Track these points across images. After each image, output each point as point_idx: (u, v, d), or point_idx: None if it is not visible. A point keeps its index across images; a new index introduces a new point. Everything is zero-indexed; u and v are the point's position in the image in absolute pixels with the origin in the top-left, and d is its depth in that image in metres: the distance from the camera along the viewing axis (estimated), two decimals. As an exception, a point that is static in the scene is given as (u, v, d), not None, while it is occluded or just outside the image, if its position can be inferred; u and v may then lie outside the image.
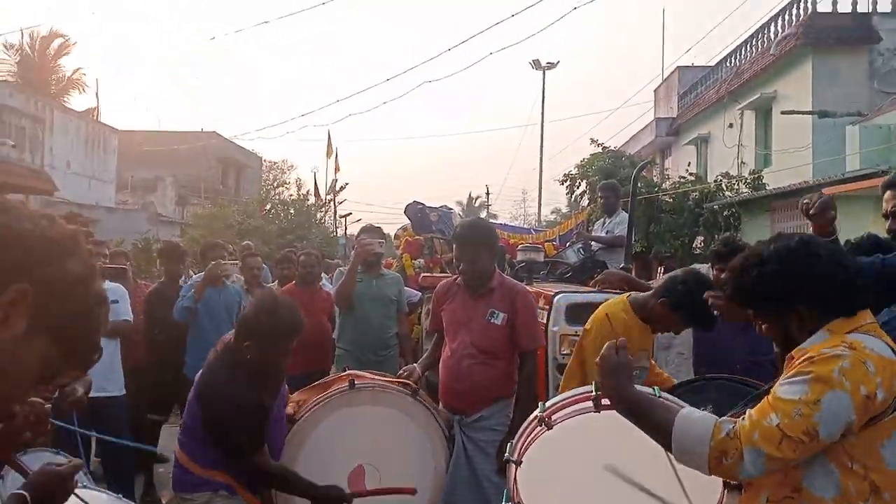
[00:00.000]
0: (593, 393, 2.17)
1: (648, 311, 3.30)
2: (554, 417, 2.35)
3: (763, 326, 1.92)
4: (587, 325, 3.46)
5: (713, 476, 1.82)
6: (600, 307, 3.53)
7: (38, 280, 0.91)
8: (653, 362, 3.71)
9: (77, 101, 24.94)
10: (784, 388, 1.69)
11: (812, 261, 1.81)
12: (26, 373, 0.94)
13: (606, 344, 1.95)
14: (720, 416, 1.76)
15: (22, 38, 23.77)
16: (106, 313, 1.04)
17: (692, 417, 1.75)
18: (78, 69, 24.62)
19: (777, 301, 1.84)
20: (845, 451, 1.68)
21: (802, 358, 1.73)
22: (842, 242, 3.14)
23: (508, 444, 2.50)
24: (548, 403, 2.47)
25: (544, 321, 4.44)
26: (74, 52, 25.20)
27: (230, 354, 2.94)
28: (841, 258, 1.87)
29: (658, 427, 1.78)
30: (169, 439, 5.88)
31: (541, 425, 2.36)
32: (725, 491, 2.08)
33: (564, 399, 2.47)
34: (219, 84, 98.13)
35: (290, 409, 3.27)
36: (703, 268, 4.15)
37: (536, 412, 2.43)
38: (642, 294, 3.48)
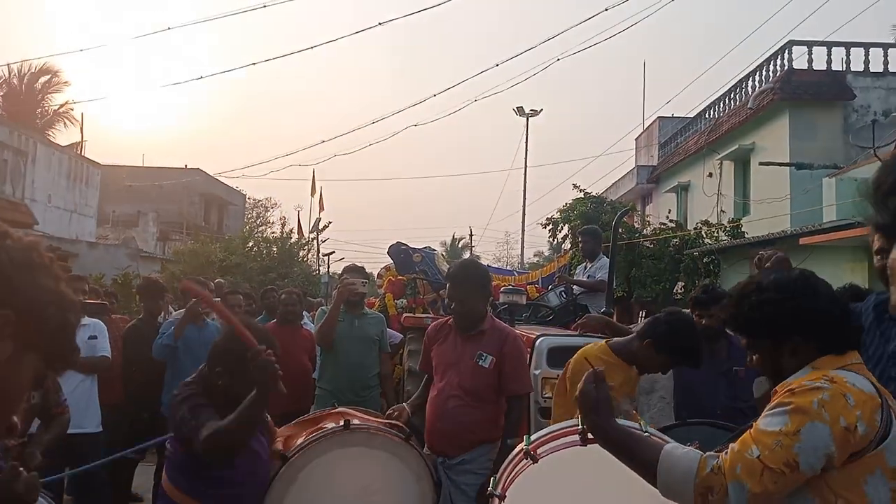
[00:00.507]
0: (579, 426, 2.16)
1: (632, 353, 3.31)
2: (539, 451, 2.34)
3: (755, 357, 1.91)
4: (565, 368, 3.47)
5: None
6: (578, 351, 3.55)
7: (17, 305, 0.94)
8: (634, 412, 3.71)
9: (63, 135, 24.87)
10: (765, 421, 1.69)
11: (810, 293, 1.82)
12: (19, 388, 0.98)
13: (584, 377, 1.93)
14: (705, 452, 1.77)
15: (10, 72, 23.83)
16: (77, 314, 1.07)
17: (676, 453, 1.74)
18: (65, 103, 24.65)
19: (772, 331, 1.83)
20: (828, 486, 1.66)
21: (783, 391, 1.74)
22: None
23: (492, 479, 2.48)
24: (533, 437, 2.46)
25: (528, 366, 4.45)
26: (64, 89, 25.18)
27: (201, 380, 2.92)
28: (837, 296, 1.87)
29: (642, 463, 1.77)
30: (143, 477, 5.78)
31: (526, 458, 2.34)
32: None
33: (550, 432, 2.46)
34: (205, 122, 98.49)
35: (278, 445, 3.22)
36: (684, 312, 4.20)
37: (521, 445, 2.41)
38: (623, 338, 3.51)
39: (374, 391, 5.24)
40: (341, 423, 3.25)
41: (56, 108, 24.87)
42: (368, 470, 3.25)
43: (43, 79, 24.58)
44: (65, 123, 25.14)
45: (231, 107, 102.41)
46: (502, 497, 2.32)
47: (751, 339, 1.91)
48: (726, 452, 1.69)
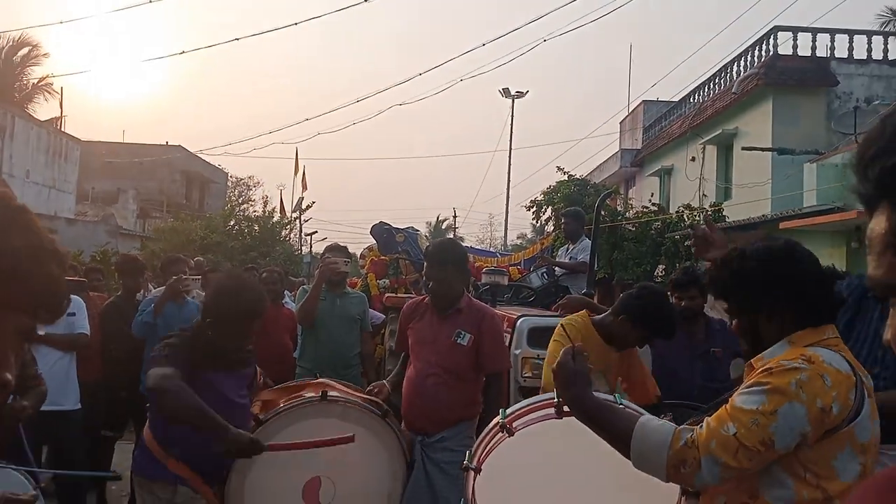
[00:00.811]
0: (555, 399, 2.16)
1: (609, 329, 3.34)
2: (515, 424, 2.34)
3: (735, 322, 1.92)
4: (554, 336, 3.48)
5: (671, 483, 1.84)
6: (561, 321, 3.57)
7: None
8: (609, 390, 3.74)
9: (43, 109, 24.45)
10: (742, 398, 1.71)
11: (793, 262, 1.83)
12: (3, 347, 0.93)
13: (562, 350, 1.94)
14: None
15: (-15, 44, 23.33)
16: (64, 264, 1.01)
17: (651, 425, 1.76)
18: (45, 77, 24.20)
19: (751, 295, 1.84)
20: (799, 462, 1.69)
21: (761, 369, 1.75)
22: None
23: (468, 452, 2.49)
24: (509, 410, 2.46)
25: (507, 344, 4.47)
26: (44, 61, 24.70)
27: (193, 329, 3.00)
28: (819, 268, 1.87)
29: (617, 435, 1.78)
30: (122, 456, 5.76)
31: (502, 431, 2.35)
32: (683, 497, 2.08)
33: (526, 406, 2.46)
34: (187, 98, 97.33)
35: (255, 409, 3.25)
36: None
37: (498, 418, 2.42)
38: (602, 315, 3.53)
39: (355, 370, 5.24)
40: (319, 393, 3.28)
41: (35, 81, 24.43)
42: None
43: (22, 51, 24.12)
44: (44, 97, 24.72)
45: (214, 83, 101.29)
46: (478, 470, 2.33)
47: (731, 304, 1.92)
48: (701, 427, 1.71)
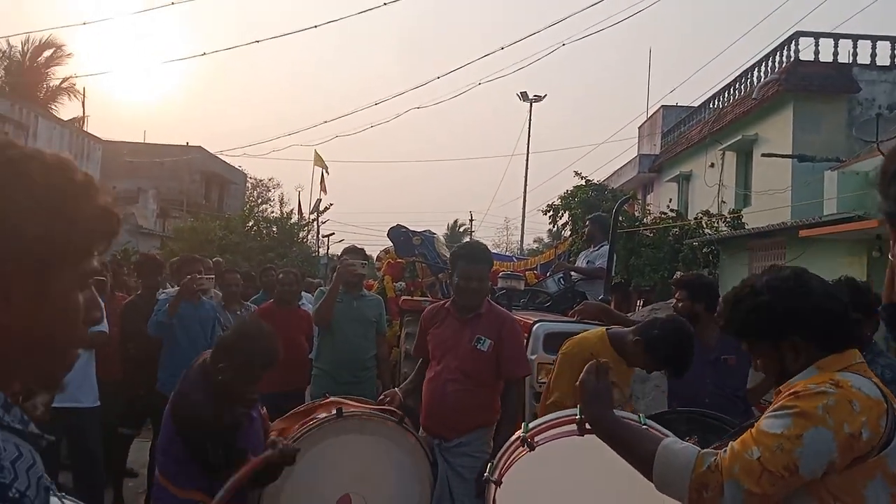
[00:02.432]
0: (577, 416, 2.13)
1: (624, 345, 3.36)
2: (537, 439, 2.34)
3: (759, 361, 1.89)
4: (562, 349, 3.51)
5: None
6: (579, 335, 3.57)
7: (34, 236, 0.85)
8: (628, 392, 3.75)
9: (66, 109, 24.76)
10: (768, 422, 1.67)
11: (804, 292, 1.79)
12: (61, 324, 0.90)
13: (586, 367, 1.93)
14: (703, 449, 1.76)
15: (9, 45, 23.68)
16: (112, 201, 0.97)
17: (674, 448, 1.73)
18: (69, 77, 24.51)
19: (769, 333, 1.82)
20: (827, 490, 1.65)
21: (788, 392, 1.72)
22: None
23: (489, 465, 2.49)
24: (531, 424, 2.46)
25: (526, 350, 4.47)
26: (68, 62, 25.03)
27: (204, 372, 2.95)
28: (833, 291, 1.84)
29: (639, 456, 1.77)
30: (139, 453, 5.82)
31: (523, 446, 2.35)
32: None
33: (549, 421, 2.45)
34: (207, 100, 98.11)
35: (273, 438, 3.23)
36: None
37: (519, 432, 2.41)
38: (622, 329, 3.53)
39: (370, 372, 5.26)
40: (333, 412, 3.26)
41: (59, 82, 24.75)
42: (364, 456, 3.26)
43: (47, 52, 24.43)
44: (68, 97, 25.04)
45: (234, 85, 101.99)
46: (499, 483, 2.33)
47: (750, 343, 1.89)
48: (725, 451, 1.68)
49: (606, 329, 3.61)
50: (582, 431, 2.05)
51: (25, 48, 23.85)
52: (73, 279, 0.90)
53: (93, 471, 4.89)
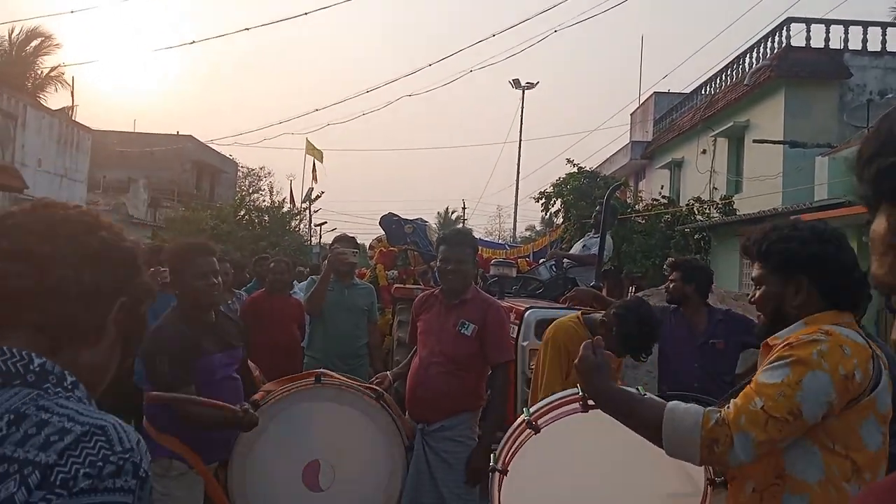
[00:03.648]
0: (579, 394, 2.14)
1: (596, 328, 3.39)
2: (540, 421, 2.31)
3: (759, 293, 1.96)
4: (544, 336, 3.54)
5: (701, 471, 1.86)
6: (556, 321, 3.60)
7: (129, 293, 1.07)
8: (618, 377, 3.77)
9: (55, 99, 24.54)
10: (766, 374, 1.73)
11: (836, 244, 1.88)
12: (108, 371, 1.11)
13: (583, 344, 1.93)
14: None
15: (-5, 34, 23.43)
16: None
17: (679, 409, 1.75)
18: (57, 66, 24.30)
19: (787, 264, 1.88)
20: (826, 434, 1.72)
21: (782, 344, 1.78)
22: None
23: (492, 454, 2.43)
24: (533, 408, 2.43)
25: (514, 336, 4.48)
26: (56, 51, 24.79)
27: (174, 308, 3.17)
28: (857, 261, 1.91)
29: (646, 423, 1.77)
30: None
31: (528, 429, 2.31)
32: (710, 488, 2.07)
33: (550, 403, 2.43)
34: (198, 88, 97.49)
35: (258, 396, 3.32)
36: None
37: (522, 416, 2.38)
38: (597, 313, 3.57)
39: (362, 360, 5.26)
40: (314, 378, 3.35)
41: (47, 70, 24.51)
42: (337, 425, 3.32)
43: (34, 42, 24.19)
44: (56, 87, 24.81)
45: (224, 74, 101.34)
46: (504, 471, 2.30)
47: (764, 269, 1.95)
48: (728, 407, 1.72)
49: (581, 313, 3.65)
50: (586, 407, 2.05)
51: (13, 38, 23.62)
52: (118, 354, 1.13)
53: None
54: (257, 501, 3.17)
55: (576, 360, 1.93)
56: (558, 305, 5.18)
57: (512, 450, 2.35)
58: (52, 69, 24.39)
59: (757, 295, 1.98)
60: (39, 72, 24.48)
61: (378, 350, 5.67)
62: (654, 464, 2.08)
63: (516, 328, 4.65)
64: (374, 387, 3.52)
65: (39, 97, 23.19)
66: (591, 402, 1.98)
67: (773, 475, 1.76)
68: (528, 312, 4.71)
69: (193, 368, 3.00)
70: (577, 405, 2.20)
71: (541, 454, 2.30)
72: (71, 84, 24.92)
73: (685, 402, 1.79)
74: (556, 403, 2.40)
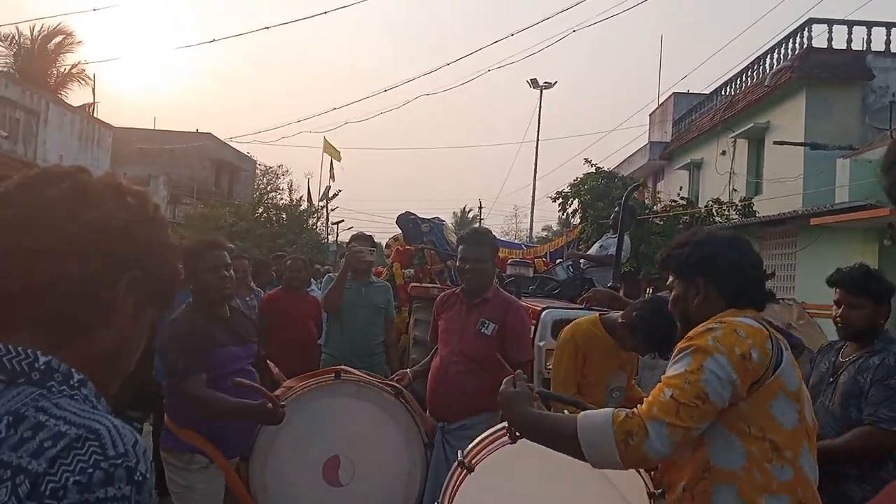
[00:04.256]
0: (506, 426, 2.19)
1: (614, 329, 3.38)
2: (474, 460, 2.34)
3: (671, 297, 2.09)
4: (559, 336, 3.53)
5: (640, 489, 1.90)
6: (573, 321, 3.58)
7: (145, 264, 1.01)
8: (632, 382, 3.75)
9: (76, 96, 24.82)
10: (672, 368, 1.83)
11: (728, 247, 2.02)
12: (139, 342, 1.06)
13: (504, 380, 2.00)
14: None
15: (18, 31, 23.71)
16: (178, 257, 1.12)
17: (591, 414, 1.81)
18: (77, 63, 24.56)
19: (684, 270, 2.03)
20: (740, 419, 1.79)
21: (683, 341, 1.89)
22: (830, 271, 3.19)
23: (459, 451, 2.47)
24: (466, 449, 2.46)
25: (531, 336, 4.47)
26: (78, 49, 25.08)
27: (188, 303, 3.21)
28: (755, 259, 2.06)
29: (564, 437, 1.80)
30: (146, 439, 5.86)
31: (461, 469, 2.35)
32: (652, 500, 2.09)
33: (481, 440, 2.46)
34: (217, 86, 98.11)
35: (278, 392, 3.36)
36: None
37: (458, 458, 2.42)
38: (615, 313, 3.55)
39: (378, 358, 5.28)
40: (332, 375, 3.39)
41: (69, 67, 24.78)
42: (358, 422, 3.35)
43: (56, 39, 24.46)
44: (78, 83, 25.08)
45: (243, 72, 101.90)
46: (471, 468, 2.33)
47: (672, 276, 2.09)
48: (638, 406, 1.79)
49: (599, 314, 3.64)
50: (514, 438, 2.09)
51: (35, 35, 23.90)
52: (152, 315, 1.07)
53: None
54: (277, 496, 3.20)
55: (497, 397, 2.00)
56: (575, 306, 5.17)
57: (451, 492, 2.35)
58: (74, 66, 24.67)
59: (670, 301, 2.11)
60: (61, 69, 24.76)
61: (394, 348, 5.69)
62: (590, 490, 2.12)
63: (533, 328, 4.64)
64: (394, 384, 3.53)
65: (61, 94, 23.46)
66: (517, 433, 2.03)
67: (701, 470, 1.81)
68: (544, 313, 4.70)
69: (208, 359, 3.04)
70: (505, 438, 2.23)
71: (477, 490, 2.29)
72: (93, 81, 25.19)
73: None
74: (487, 440, 2.43)
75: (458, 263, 3.79)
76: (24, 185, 0.98)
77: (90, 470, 0.84)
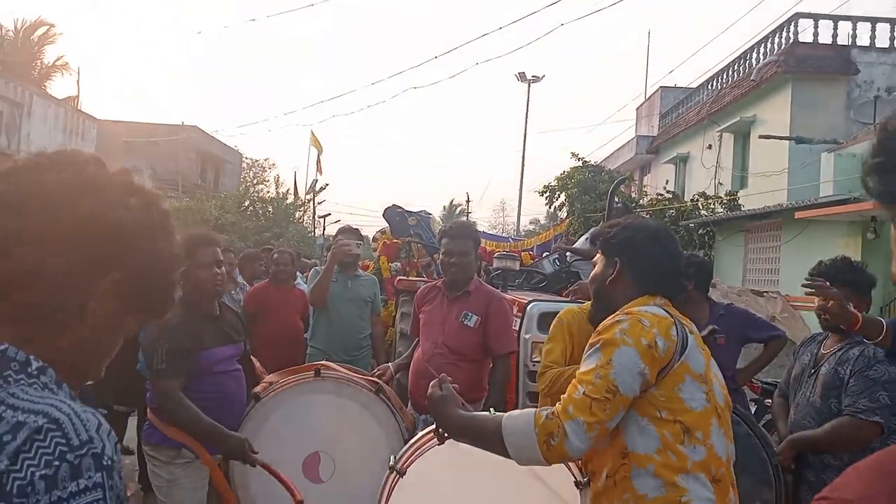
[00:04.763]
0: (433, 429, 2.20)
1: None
2: (405, 465, 2.36)
3: (593, 271, 2.22)
4: (557, 317, 3.50)
5: (567, 481, 1.98)
6: (571, 307, 3.57)
7: (130, 268, 0.95)
8: None
9: (59, 88, 24.62)
10: (584, 364, 1.88)
11: (651, 235, 2.12)
12: (112, 344, 1.01)
13: (431, 382, 2.03)
14: None
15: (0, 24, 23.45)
16: (178, 267, 1.07)
17: (514, 415, 1.86)
18: (61, 56, 24.34)
19: (607, 249, 2.16)
20: (652, 405, 1.85)
21: (593, 335, 1.95)
22: (814, 264, 3.21)
23: (391, 456, 2.51)
24: (399, 453, 2.49)
25: (517, 328, 4.48)
26: (59, 41, 24.85)
27: (178, 300, 3.12)
28: (677, 252, 2.16)
29: (489, 437, 1.85)
30: (135, 431, 5.83)
31: (393, 474, 2.38)
32: (581, 491, 2.12)
33: (411, 445, 2.49)
34: (203, 79, 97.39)
35: (259, 388, 3.36)
36: None
37: (391, 463, 2.45)
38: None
39: (365, 351, 5.27)
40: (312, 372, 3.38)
41: (53, 60, 24.54)
42: (337, 419, 3.35)
43: (39, 31, 24.21)
44: (61, 74, 24.84)
45: (229, 64, 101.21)
46: (402, 472, 2.35)
47: (599, 254, 2.22)
48: (557, 404, 1.83)
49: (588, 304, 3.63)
50: (441, 439, 2.10)
51: (18, 25, 23.64)
52: (135, 323, 1.02)
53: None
54: (258, 492, 3.20)
55: (426, 398, 2.04)
56: (561, 298, 5.17)
57: (383, 499, 2.37)
58: (58, 58, 24.43)
59: (592, 274, 2.23)
60: (44, 61, 24.52)
61: (381, 341, 5.68)
62: (520, 486, 2.17)
63: (519, 321, 4.65)
64: (375, 379, 3.54)
65: (44, 86, 23.23)
66: (445, 434, 2.05)
67: (620, 457, 1.86)
68: (530, 305, 4.71)
69: (194, 361, 3.04)
70: (434, 440, 2.24)
71: (410, 493, 2.32)
72: (77, 73, 24.97)
73: None
74: (417, 444, 2.45)
75: (441, 257, 3.79)
76: (26, 166, 0.94)
77: (56, 462, 0.80)
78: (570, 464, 2.12)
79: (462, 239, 3.73)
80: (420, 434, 2.51)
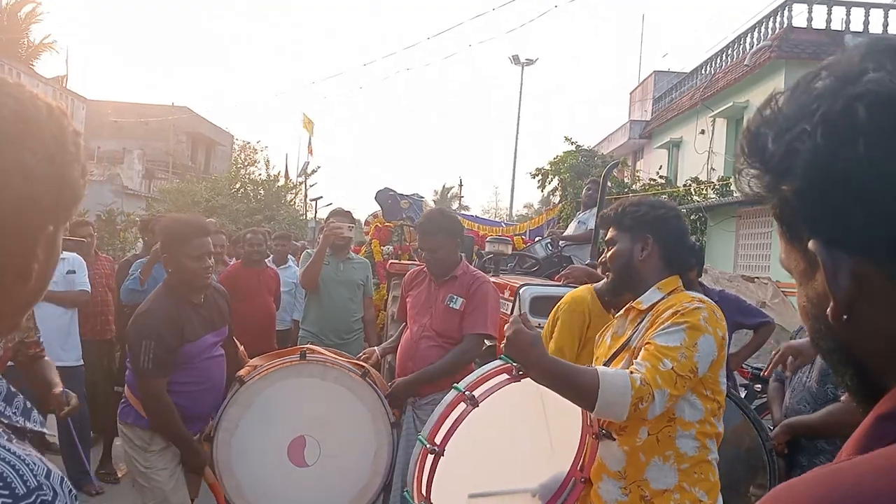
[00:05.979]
0: (509, 365, 2.10)
1: (603, 298, 3.37)
2: (476, 394, 2.20)
3: (612, 250, 2.27)
4: (561, 306, 3.41)
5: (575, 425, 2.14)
6: (571, 293, 3.55)
7: (57, 218, 0.83)
8: None
9: (47, 68, 24.34)
10: (663, 339, 2.02)
11: (676, 215, 2.29)
12: (55, 261, 0.87)
13: (512, 318, 2.00)
14: None
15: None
16: (86, 171, 0.90)
17: (609, 374, 1.95)
18: (48, 35, 24.05)
19: (635, 225, 2.23)
20: (702, 384, 2.09)
21: (668, 311, 2.08)
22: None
23: (421, 434, 2.33)
24: (461, 384, 2.31)
25: (509, 312, 4.48)
26: (46, 19, 24.53)
27: (163, 286, 3.15)
28: (687, 232, 2.36)
29: (581, 387, 1.93)
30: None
31: (468, 404, 2.19)
32: (598, 442, 2.17)
33: (480, 374, 2.31)
34: (193, 59, 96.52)
35: (243, 372, 3.35)
36: None
37: (453, 393, 2.29)
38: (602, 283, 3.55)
39: (357, 335, 5.27)
40: (299, 354, 3.37)
41: (40, 39, 24.25)
42: (323, 402, 3.33)
43: (26, 8, 23.90)
44: (49, 53, 24.57)
45: (221, 45, 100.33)
46: (441, 452, 2.17)
47: (618, 231, 2.27)
48: (641, 368, 1.97)
49: (592, 286, 3.62)
50: (518, 378, 2.07)
51: (4, 5, 23.31)
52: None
53: (80, 429, 4.87)
54: (244, 477, 3.18)
55: (508, 332, 1.96)
56: (553, 283, 5.18)
57: (450, 428, 2.21)
58: (45, 37, 24.14)
59: (610, 253, 2.28)
60: (32, 39, 24.22)
61: (373, 325, 5.67)
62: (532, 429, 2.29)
63: (511, 305, 4.65)
64: (361, 363, 3.53)
65: (32, 65, 22.96)
66: (522, 372, 2.02)
67: (666, 420, 2.08)
68: (522, 289, 4.71)
69: (179, 354, 3.03)
70: (505, 376, 2.15)
71: (474, 429, 2.21)
72: (66, 53, 24.70)
73: None
74: (484, 376, 2.26)
75: (419, 248, 3.78)
76: None
77: None
78: (586, 415, 2.18)
79: (430, 235, 3.69)
80: (488, 366, 2.31)
